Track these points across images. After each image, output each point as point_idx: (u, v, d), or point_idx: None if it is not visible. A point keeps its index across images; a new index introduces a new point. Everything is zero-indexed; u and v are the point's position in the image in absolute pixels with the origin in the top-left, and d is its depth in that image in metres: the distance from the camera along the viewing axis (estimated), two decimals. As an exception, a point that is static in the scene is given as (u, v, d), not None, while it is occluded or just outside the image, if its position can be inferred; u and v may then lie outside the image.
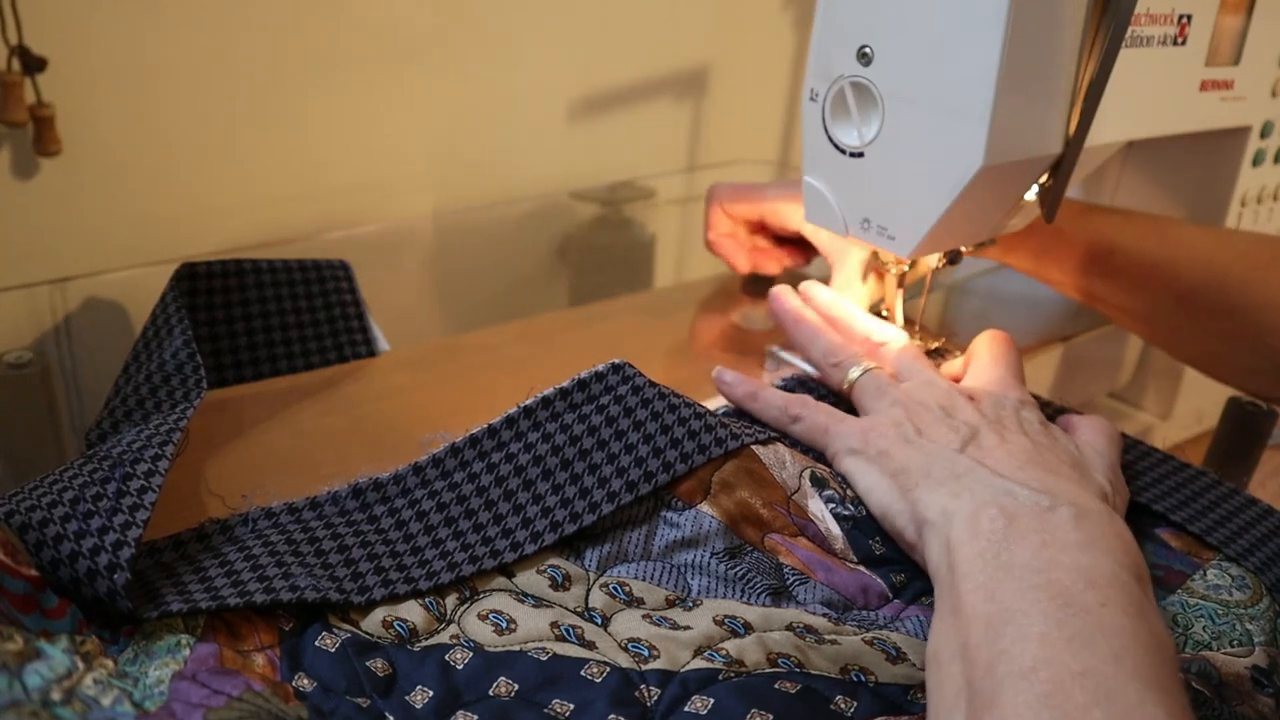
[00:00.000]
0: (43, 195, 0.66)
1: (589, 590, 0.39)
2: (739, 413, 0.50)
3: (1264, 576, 0.42)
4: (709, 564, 0.40)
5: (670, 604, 0.38)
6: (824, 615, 0.38)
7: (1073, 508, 0.36)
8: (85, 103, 0.65)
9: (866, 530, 0.43)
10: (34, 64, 0.61)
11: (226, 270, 0.54)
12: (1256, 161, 0.63)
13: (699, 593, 0.39)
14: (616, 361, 0.45)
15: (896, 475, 0.42)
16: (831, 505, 0.44)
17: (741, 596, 0.39)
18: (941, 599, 0.36)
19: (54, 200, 0.66)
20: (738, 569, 0.40)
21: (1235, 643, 0.39)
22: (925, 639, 0.38)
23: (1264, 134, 0.62)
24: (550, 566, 0.39)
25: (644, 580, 0.39)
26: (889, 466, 0.43)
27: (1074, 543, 0.35)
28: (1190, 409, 0.67)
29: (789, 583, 0.40)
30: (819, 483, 0.45)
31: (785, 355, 0.58)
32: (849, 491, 0.45)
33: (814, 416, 0.48)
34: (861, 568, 0.42)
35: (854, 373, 0.50)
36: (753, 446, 0.44)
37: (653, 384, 0.44)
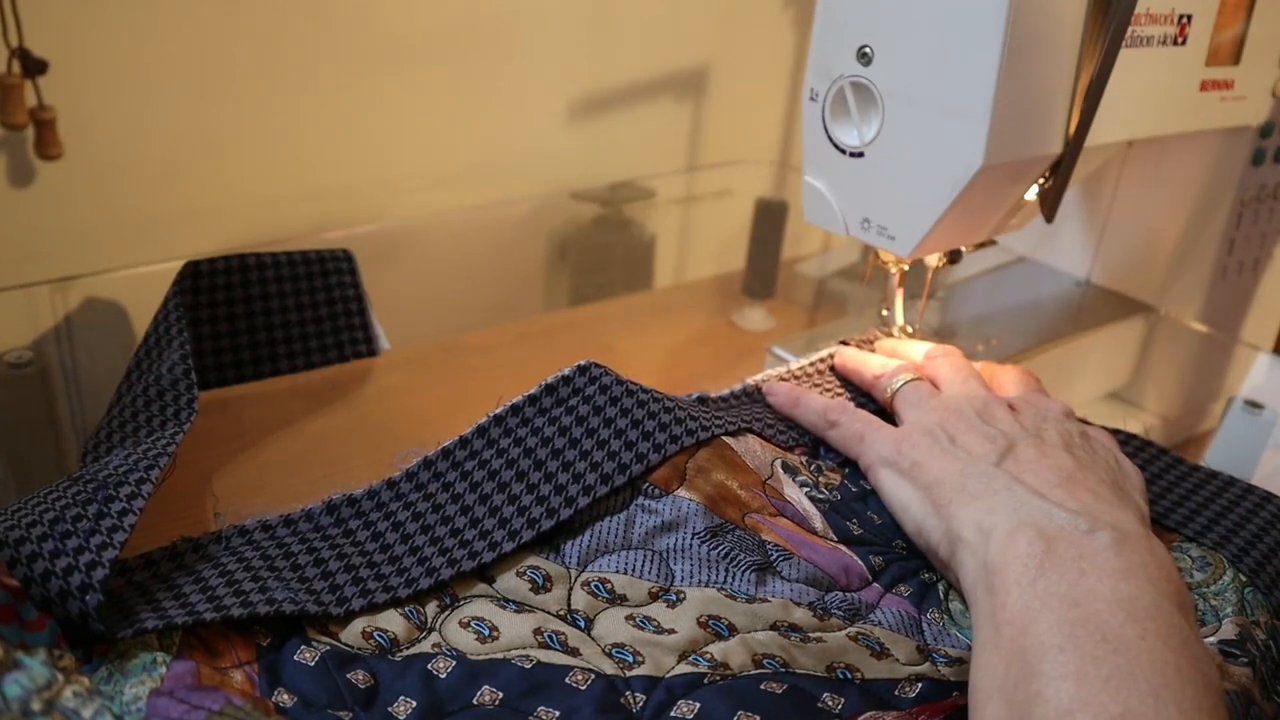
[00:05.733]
0: (43, 196, 0.66)
1: (570, 590, 0.38)
2: (703, 402, 0.51)
3: (1224, 550, 0.42)
4: (691, 546, 0.40)
5: (654, 596, 0.38)
6: (808, 604, 0.38)
7: (1113, 532, 0.36)
8: (85, 105, 0.65)
9: (844, 513, 0.44)
10: (35, 67, 0.61)
11: (230, 266, 0.54)
12: (1256, 161, 0.63)
13: (682, 580, 0.39)
14: (582, 364, 0.45)
15: (930, 489, 0.41)
16: (806, 489, 0.44)
17: (726, 577, 0.39)
18: (979, 626, 0.35)
19: (54, 201, 0.66)
20: (720, 548, 0.40)
21: (1200, 623, 0.39)
22: (904, 632, 0.38)
23: (1264, 134, 0.62)
24: (530, 568, 0.39)
25: (626, 573, 0.39)
26: (922, 479, 0.42)
27: (1114, 570, 0.34)
28: (1190, 409, 0.67)
29: (773, 559, 0.40)
30: (791, 470, 0.45)
31: (785, 355, 0.58)
32: (821, 478, 0.45)
33: (851, 424, 0.47)
34: (842, 547, 0.42)
35: (896, 383, 0.49)
36: (723, 437, 0.44)
37: (620, 381, 0.44)
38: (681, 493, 0.41)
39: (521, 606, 0.38)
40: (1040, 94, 0.45)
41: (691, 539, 0.40)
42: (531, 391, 0.45)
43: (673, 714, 0.33)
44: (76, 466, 0.43)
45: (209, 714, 0.30)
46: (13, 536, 0.34)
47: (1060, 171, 0.48)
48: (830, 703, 0.34)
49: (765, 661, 0.36)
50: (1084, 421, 0.47)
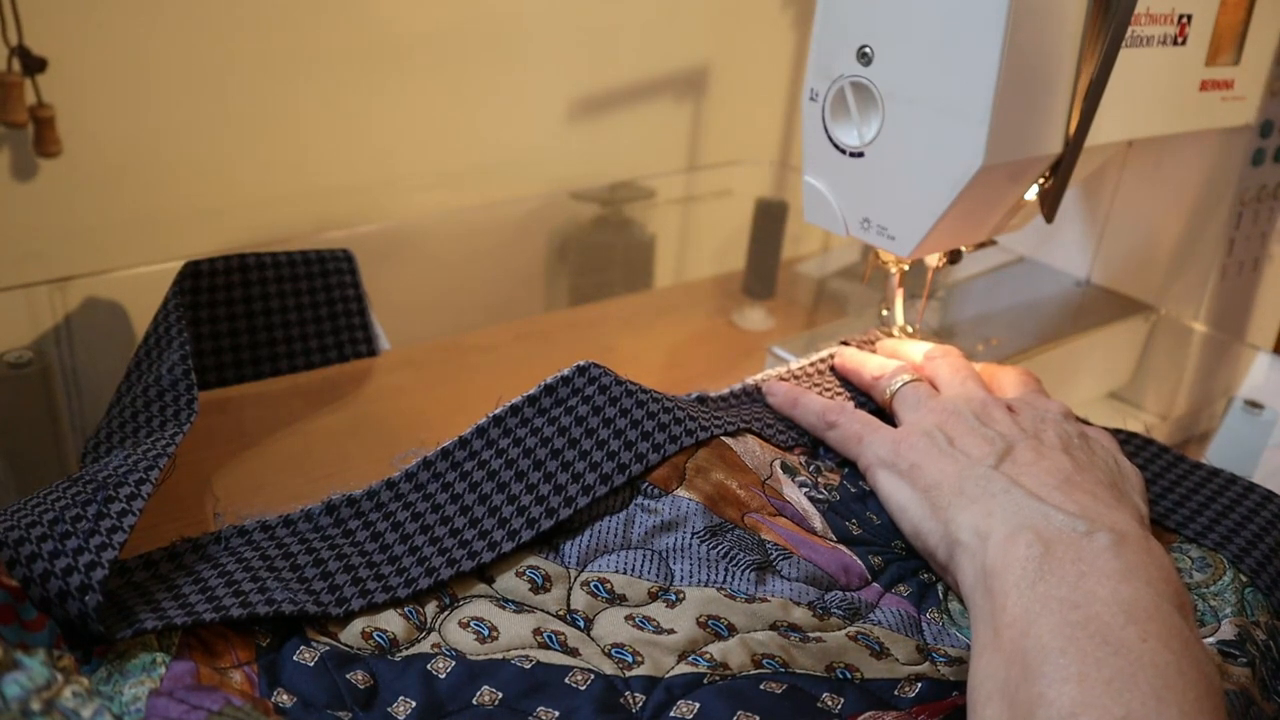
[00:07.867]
0: (43, 195, 0.66)
1: (570, 590, 0.38)
2: (703, 402, 0.51)
3: (1225, 551, 0.43)
4: (690, 546, 0.40)
5: (653, 596, 0.38)
6: (808, 604, 0.38)
7: (1111, 534, 0.36)
8: (85, 103, 0.65)
9: (843, 513, 0.44)
10: (34, 65, 0.61)
11: (230, 266, 0.54)
12: (1256, 161, 0.63)
13: (682, 580, 0.39)
14: (581, 364, 0.45)
15: (928, 491, 0.41)
16: (805, 489, 0.44)
17: (725, 577, 0.39)
18: (978, 628, 0.35)
19: (54, 200, 0.66)
20: (720, 547, 0.40)
21: (1199, 623, 0.39)
22: (904, 632, 0.38)
23: (1264, 134, 0.62)
24: (529, 568, 0.39)
25: (625, 572, 0.39)
26: (920, 481, 0.42)
27: (1113, 572, 0.34)
28: (1190, 409, 0.67)
29: (772, 557, 0.40)
30: (790, 470, 0.45)
31: (785, 355, 0.58)
32: (820, 479, 0.45)
33: (849, 425, 0.47)
34: (841, 547, 0.42)
35: (895, 384, 0.49)
36: (722, 437, 0.44)
37: (619, 381, 0.44)
38: (681, 492, 0.41)
39: (521, 606, 0.38)
40: (1040, 94, 0.45)
41: (691, 538, 0.40)
42: (530, 392, 0.45)
43: (672, 714, 0.33)
44: (76, 466, 0.43)
45: (208, 714, 0.30)
46: (12, 537, 0.34)
47: (1060, 171, 0.48)
48: (830, 702, 0.34)
49: (765, 661, 0.36)
50: (1084, 421, 0.47)
